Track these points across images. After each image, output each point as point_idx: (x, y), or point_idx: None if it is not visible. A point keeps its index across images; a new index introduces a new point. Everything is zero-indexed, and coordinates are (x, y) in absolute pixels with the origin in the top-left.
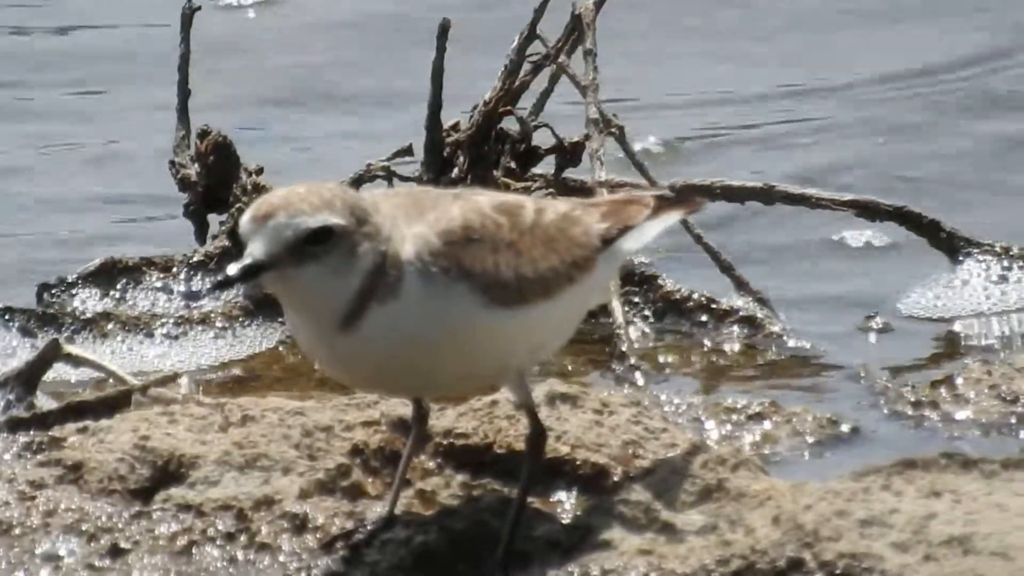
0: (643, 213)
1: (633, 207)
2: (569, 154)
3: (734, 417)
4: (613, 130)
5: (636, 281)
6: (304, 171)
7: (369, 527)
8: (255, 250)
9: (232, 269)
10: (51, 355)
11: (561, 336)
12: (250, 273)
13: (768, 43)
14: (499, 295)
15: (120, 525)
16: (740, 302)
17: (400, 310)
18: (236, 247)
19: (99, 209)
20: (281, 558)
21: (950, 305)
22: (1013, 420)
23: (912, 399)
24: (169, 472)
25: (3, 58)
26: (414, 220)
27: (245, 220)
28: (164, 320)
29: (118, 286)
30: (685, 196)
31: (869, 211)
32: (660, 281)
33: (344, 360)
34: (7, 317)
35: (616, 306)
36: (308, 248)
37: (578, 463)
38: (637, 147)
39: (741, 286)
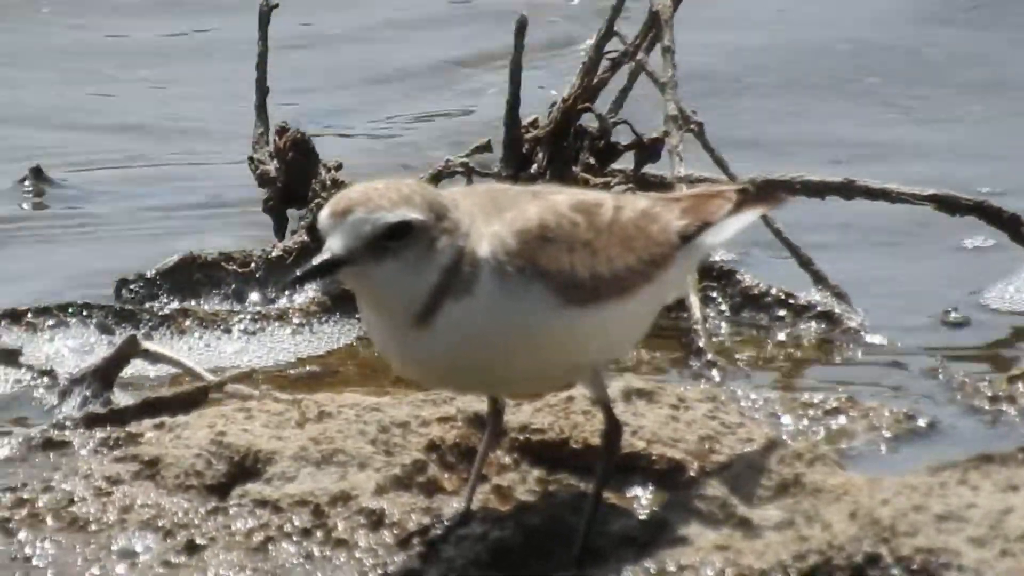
0: (724, 208)
1: (715, 202)
2: (648, 150)
3: (811, 412)
4: (692, 126)
5: (714, 276)
6: (382, 167)
7: (445, 523)
8: (333, 245)
9: (310, 264)
10: (129, 351)
11: (637, 333)
12: (328, 268)
13: None
14: (574, 294)
15: (196, 521)
16: (818, 297)
17: (475, 308)
18: (315, 243)
19: (177, 205)
20: (357, 554)
21: None
22: None
23: (989, 394)
24: (245, 468)
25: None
26: (491, 218)
27: (324, 215)
28: (241, 316)
29: (196, 282)
30: (767, 191)
31: (949, 205)
32: (738, 276)
33: (417, 357)
34: (85, 313)
35: (694, 301)
36: (386, 243)
37: (654, 458)
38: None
39: (819, 280)
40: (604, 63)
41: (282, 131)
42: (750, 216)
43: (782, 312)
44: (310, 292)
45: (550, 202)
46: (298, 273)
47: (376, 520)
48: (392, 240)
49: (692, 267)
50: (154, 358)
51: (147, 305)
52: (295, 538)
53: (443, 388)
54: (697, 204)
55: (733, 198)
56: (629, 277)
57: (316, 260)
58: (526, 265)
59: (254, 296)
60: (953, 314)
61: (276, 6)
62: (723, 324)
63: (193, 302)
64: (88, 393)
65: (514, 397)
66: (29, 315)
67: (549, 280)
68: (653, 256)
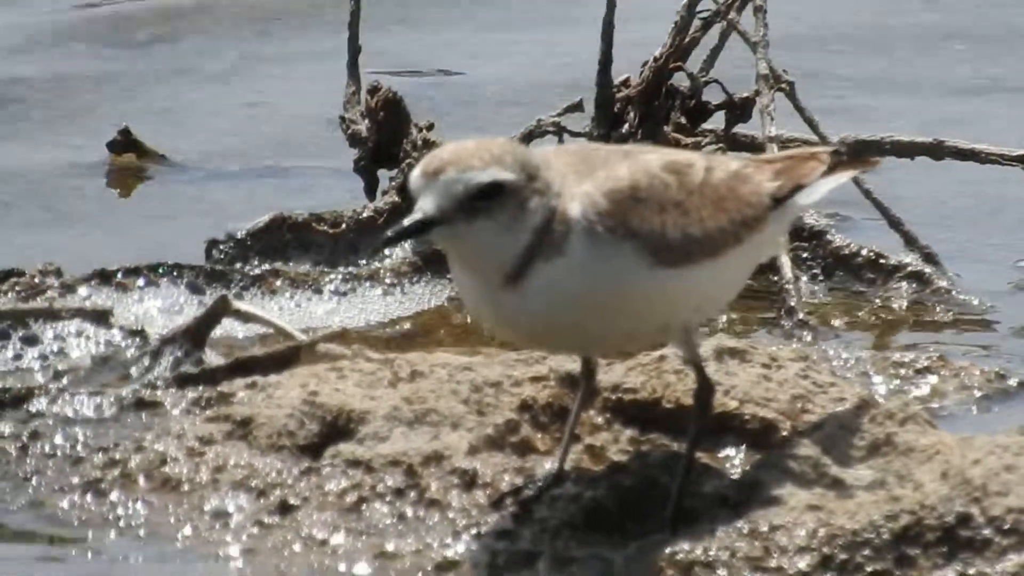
0: (818, 170)
1: (808, 164)
2: (739, 110)
3: (902, 372)
4: (783, 86)
5: (805, 237)
6: (471, 127)
7: (538, 483)
8: (425, 205)
9: (401, 225)
10: (220, 311)
11: (729, 293)
12: (421, 228)
13: None
14: (665, 255)
15: (289, 481)
16: (908, 258)
17: (566, 268)
18: (406, 203)
19: (269, 164)
20: (450, 514)
21: None
22: None
23: None
24: (338, 428)
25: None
26: (583, 178)
27: (415, 176)
28: (332, 277)
29: (286, 243)
30: (858, 153)
31: None
32: (829, 237)
33: (508, 317)
34: (176, 274)
35: (785, 261)
36: (479, 203)
37: (746, 418)
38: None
39: (909, 241)
40: (696, 23)
41: (374, 90)
42: (842, 178)
43: (872, 273)
44: (401, 252)
45: (641, 162)
46: (389, 234)
47: (469, 480)
48: (484, 200)
49: (785, 228)
50: (245, 318)
51: (238, 266)
52: (388, 498)
53: (534, 348)
54: (791, 166)
55: (826, 160)
56: (720, 238)
57: (407, 220)
58: (617, 225)
59: (346, 256)
60: None
61: None
62: (814, 285)
63: (283, 263)
64: (180, 353)
65: (605, 356)
66: (119, 275)
67: (640, 240)
68: (745, 218)
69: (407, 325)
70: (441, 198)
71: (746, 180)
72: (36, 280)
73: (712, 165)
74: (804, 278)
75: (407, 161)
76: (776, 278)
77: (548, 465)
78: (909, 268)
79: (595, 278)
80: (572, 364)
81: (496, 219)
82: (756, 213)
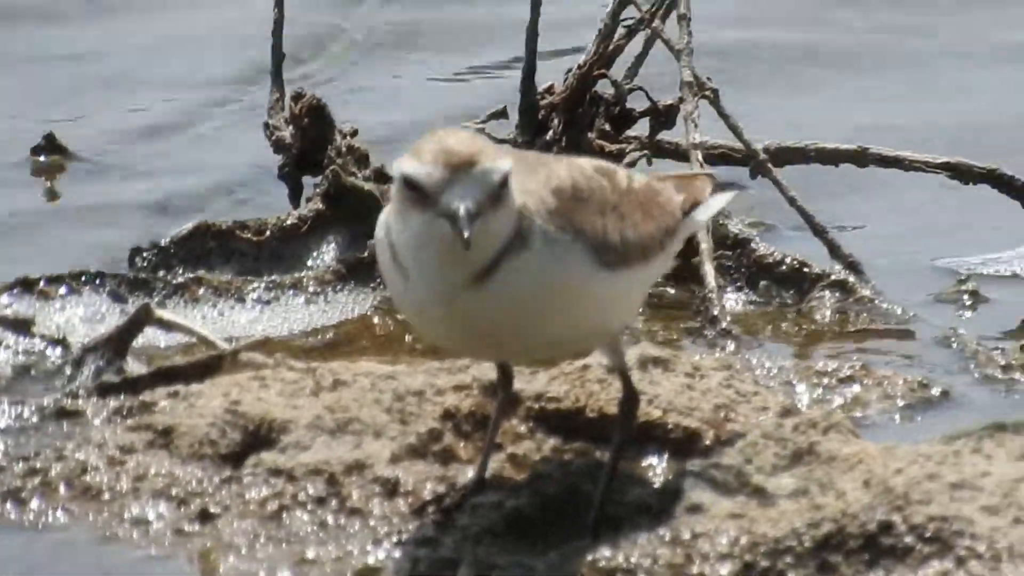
0: (708, 189)
1: (698, 182)
2: (663, 117)
3: (825, 381)
4: (707, 93)
5: (728, 245)
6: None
7: (460, 491)
8: (464, 197)
9: (460, 217)
10: (142, 320)
11: (641, 301)
12: (471, 220)
13: None
14: (606, 257)
15: (210, 490)
16: (833, 266)
17: (531, 264)
18: (330, 210)
19: (192, 172)
20: (372, 523)
21: None
22: None
23: (1002, 362)
24: (260, 437)
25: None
26: (525, 176)
27: (430, 170)
28: (256, 285)
29: (210, 251)
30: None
31: (962, 173)
32: (753, 245)
33: (469, 316)
34: (98, 282)
35: (708, 270)
36: (501, 192)
37: (670, 427)
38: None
39: (833, 250)
40: (620, 30)
41: (298, 97)
42: (726, 199)
43: (796, 282)
44: (325, 260)
45: (577, 163)
46: (465, 233)
47: (391, 489)
48: (502, 190)
49: (682, 243)
50: (168, 327)
51: (160, 273)
52: (309, 507)
53: (474, 352)
54: (685, 183)
55: (710, 181)
56: (650, 244)
57: (460, 213)
58: (565, 224)
59: (269, 264)
60: (966, 283)
61: None
62: (738, 294)
63: (206, 271)
64: (101, 362)
65: (532, 364)
66: (41, 283)
67: (586, 240)
68: (668, 225)
69: (330, 334)
70: (478, 190)
71: (659, 190)
72: None
73: (629, 173)
74: (728, 287)
75: (331, 168)
76: (699, 288)
77: (471, 473)
78: (833, 277)
79: (554, 275)
80: (495, 373)
81: (507, 207)
82: (674, 223)
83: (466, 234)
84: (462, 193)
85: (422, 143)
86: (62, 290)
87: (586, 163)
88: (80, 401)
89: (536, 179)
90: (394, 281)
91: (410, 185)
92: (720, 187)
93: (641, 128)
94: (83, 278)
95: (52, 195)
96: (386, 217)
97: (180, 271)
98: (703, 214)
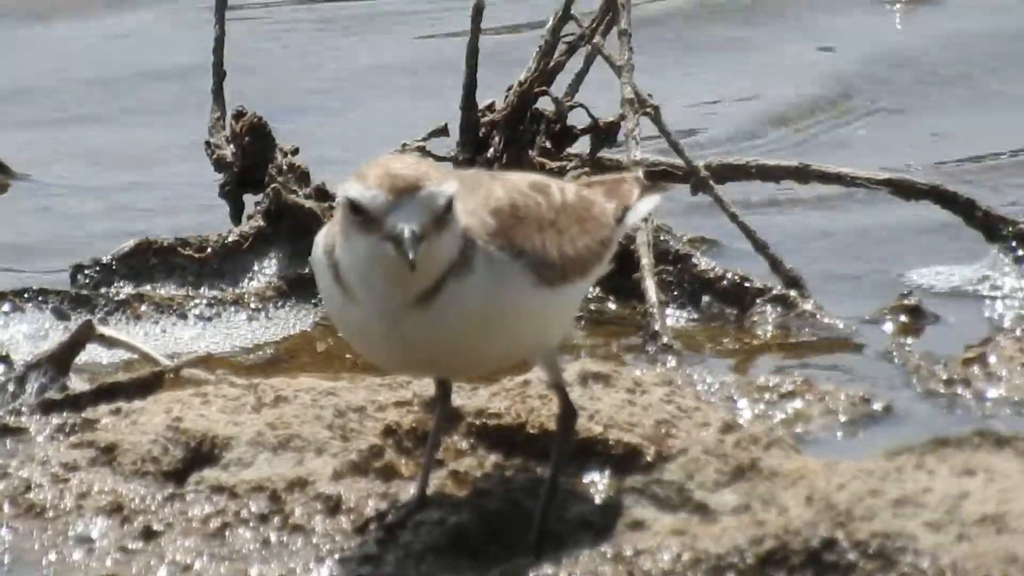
0: (635, 193)
1: (625, 186)
2: (604, 134)
3: (767, 396)
4: (648, 110)
5: (670, 260)
6: (339, 150)
7: (402, 508)
8: (410, 221)
9: (404, 239)
10: (84, 336)
11: (575, 314)
12: (415, 244)
13: None
14: (546, 274)
15: (153, 507)
16: (773, 281)
17: (473, 286)
18: (271, 227)
19: (132, 190)
20: (314, 540)
21: (982, 284)
22: None
23: (944, 377)
24: (202, 453)
25: None
26: (465, 198)
27: (375, 194)
28: (197, 301)
29: (151, 267)
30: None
31: (904, 190)
32: (694, 260)
33: (410, 337)
34: (40, 298)
35: (650, 285)
36: (446, 216)
37: (611, 443)
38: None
39: (774, 265)
40: (561, 46)
41: (239, 115)
42: (653, 201)
43: (737, 297)
44: (266, 277)
45: (512, 181)
46: (410, 255)
47: (333, 506)
48: (447, 214)
49: (615, 249)
50: (110, 343)
51: (103, 290)
52: (252, 524)
53: (413, 371)
54: (614, 188)
55: (636, 184)
56: (588, 257)
57: (405, 236)
58: (506, 244)
59: (210, 281)
60: (908, 299)
61: None
62: (678, 309)
63: (149, 287)
64: (44, 379)
65: (471, 380)
66: None
67: (526, 259)
68: (603, 237)
69: (272, 350)
70: (422, 214)
71: (591, 202)
72: None
73: (562, 186)
74: (669, 302)
75: (272, 186)
76: (640, 304)
77: (413, 490)
78: (774, 292)
79: (495, 297)
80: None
81: (451, 231)
82: (609, 233)
83: (410, 256)
84: (406, 217)
85: (367, 167)
86: (5, 307)
87: (520, 179)
88: (23, 418)
89: (475, 199)
90: (334, 300)
91: (355, 209)
92: (647, 189)
93: (583, 145)
94: (25, 295)
95: None
96: (325, 237)
97: (122, 288)
98: (632, 218)
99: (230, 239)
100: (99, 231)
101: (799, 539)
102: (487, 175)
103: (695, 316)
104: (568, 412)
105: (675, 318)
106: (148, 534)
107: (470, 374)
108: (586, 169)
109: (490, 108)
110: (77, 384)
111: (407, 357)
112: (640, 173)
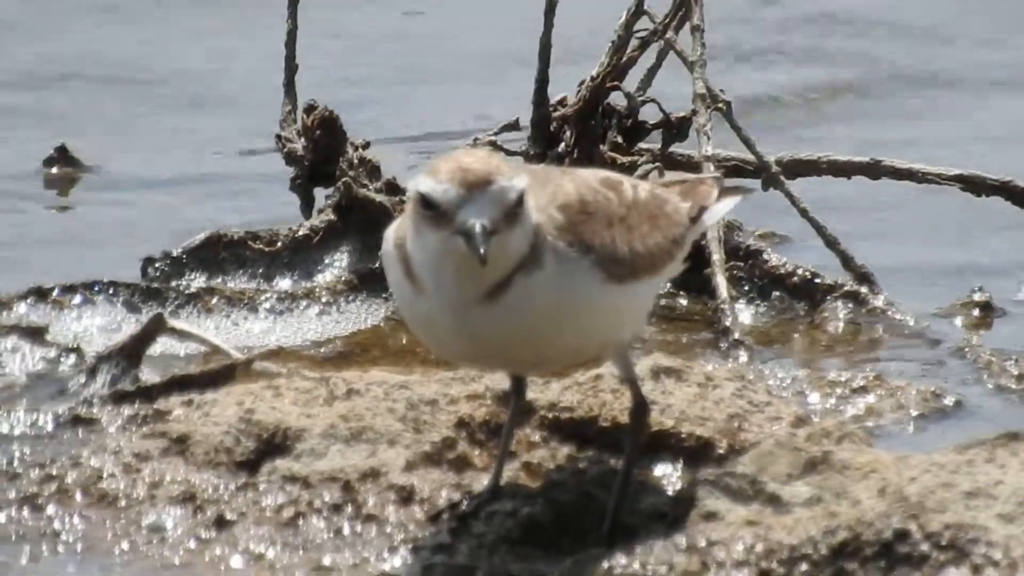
0: (713, 194)
1: (703, 188)
2: (675, 129)
3: (838, 390)
4: (720, 105)
5: (741, 256)
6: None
7: (475, 499)
8: (480, 215)
9: (476, 234)
10: (155, 329)
11: (649, 312)
12: (487, 239)
13: None
14: (615, 270)
15: (226, 497)
16: (844, 277)
17: (543, 282)
18: (341, 221)
19: (204, 183)
20: (387, 529)
21: None
22: None
23: (1016, 373)
24: (274, 444)
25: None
26: (536, 193)
27: (447, 189)
28: (268, 295)
29: (222, 260)
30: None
31: (975, 186)
32: (765, 256)
33: (478, 333)
34: (112, 292)
35: (721, 281)
36: (517, 211)
37: (683, 436)
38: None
39: (845, 261)
40: (633, 42)
41: (310, 109)
42: (732, 203)
43: (808, 292)
44: (337, 271)
45: (582, 177)
46: (481, 250)
47: (406, 496)
48: (518, 208)
49: (690, 248)
50: (181, 336)
51: (173, 283)
52: (325, 514)
53: (483, 366)
54: (691, 188)
55: (714, 186)
56: (659, 254)
57: (476, 231)
58: (575, 240)
59: (281, 274)
60: (978, 294)
61: None
62: (750, 305)
63: (219, 280)
64: (116, 371)
65: (543, 375)
66: (55, 292)
67: (595, 255)
68: (675, 235)
69: (342, 344)
70: (493, 208)
71: (665, 200)
72: None
73: (634, 183)
74: (740, 297)
75: (343, 179)
76: (712, 300)
77: (485, 481)
78: (845, 288)
79: (564, 293)
80: (508, 383)
81: (523, 225)
82: (682, 232)
83: (481, 251)
84: (478, 211)
85: (438, 162)
86: (76, 299)
87: (591, 176)
88: (95, 409)
89: (544, 195)
90: (404, 294)
91: (426, 203)
92: (727, 191)
93: (654, 140)
94: (96, 287)
95: (64, 207)
96: (395, 231)
97: (193, 281)
98: (710, 219)
99: (300, 233)
100: (169, 224)
101: (872, 530)
102: (558, 171)
103: (766, 312)
104: (640, 406)
105: (746, 314)
106: (221, 523)
107: (540, 369)
108: (657, 164)
109: (561, 103)
110: (149, 376)
111: (475, 351)
112: (720, 174)
